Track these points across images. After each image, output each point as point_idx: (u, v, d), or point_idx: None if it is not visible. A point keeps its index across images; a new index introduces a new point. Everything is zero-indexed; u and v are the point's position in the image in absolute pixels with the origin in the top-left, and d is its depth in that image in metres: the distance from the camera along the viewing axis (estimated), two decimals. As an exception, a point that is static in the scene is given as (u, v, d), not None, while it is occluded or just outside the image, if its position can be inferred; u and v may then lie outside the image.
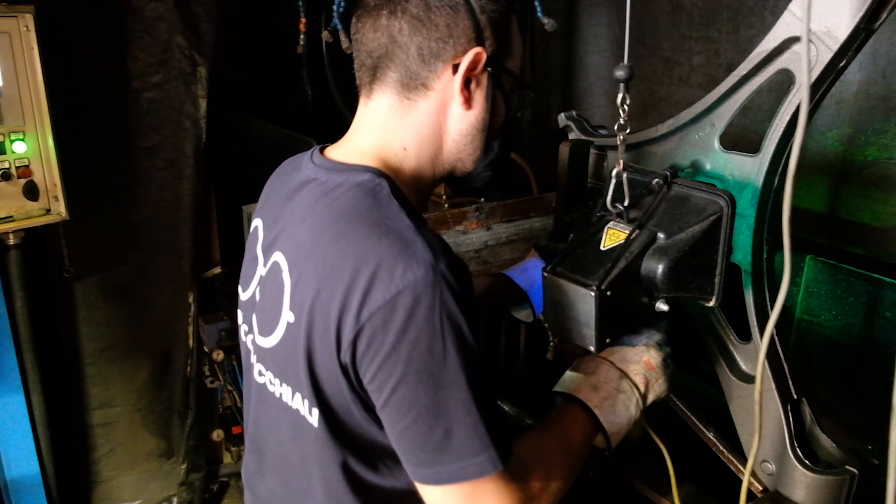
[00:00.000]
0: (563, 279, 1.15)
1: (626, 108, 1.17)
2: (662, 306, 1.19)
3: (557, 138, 1.60)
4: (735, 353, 1.36)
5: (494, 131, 1.13)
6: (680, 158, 1.36)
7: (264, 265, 1.13)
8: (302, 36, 2.52)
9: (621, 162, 1.18)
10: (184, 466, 2.99)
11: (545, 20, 2.22)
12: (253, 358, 1.18)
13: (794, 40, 1.15)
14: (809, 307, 1.80)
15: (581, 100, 2.60)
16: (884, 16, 1.07)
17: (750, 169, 1.24)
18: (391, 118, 1.09)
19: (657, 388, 1.26)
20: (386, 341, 0.92)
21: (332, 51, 2.45)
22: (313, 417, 1.03)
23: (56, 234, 2.45)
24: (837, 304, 1.74)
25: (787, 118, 1.18)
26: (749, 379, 1.33)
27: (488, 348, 2.05)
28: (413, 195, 1.09)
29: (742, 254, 1.27)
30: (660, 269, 1.15)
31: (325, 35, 2.38)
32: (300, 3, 2.48)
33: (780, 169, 1.23)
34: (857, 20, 1.07)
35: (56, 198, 2.22)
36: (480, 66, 1.05)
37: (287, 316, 1.04)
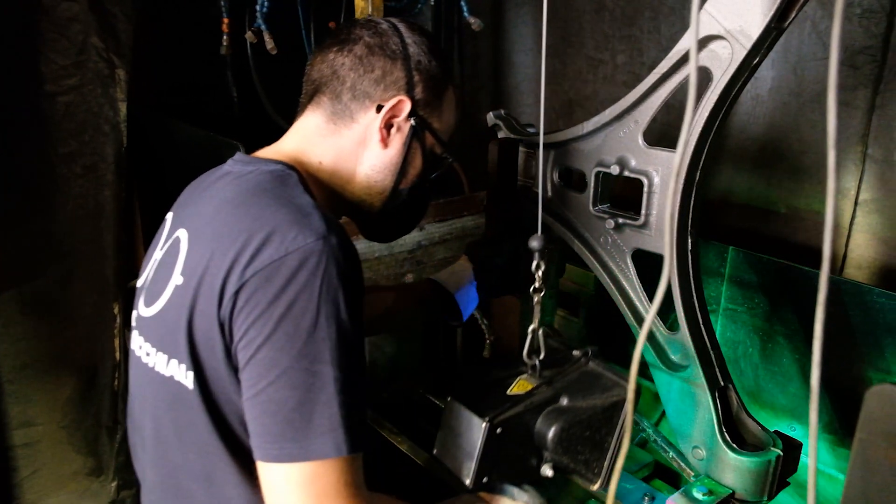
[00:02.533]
0: (462, 405, 1.19)
1: (541, 272, 1.23)
2: (548, 471, 1.21)
3: (487, 137, 1.61)
4: (664, 344, 1.40)
5: (406, 180, 1.22)
6: (606, 155, 1.39)
7: (162, 248, 1.16)
8: (225, 37, 2.47)
9: (536, 319, 1.24)
10: (114, 484, 2.87)
11: (471, 20, 2.24)
12: (134, 334, 1.20)
13: (710, 39, 1.19)
14: (733, 296, 1.87)
15: (510, 98, 2.63)
16: (792, 15, 1.12)
17: (671, 163, 1.28)
18: (315, 135, 1.18)
19: None
20: (263, 298, 0.95)
21: (257, 51, 2.41)
22: (188, 380, 1.04)
23: (-32, 247, 2.32)
24: (760, 292, 1.81)
25: (707, 114, 1.22)
26: (679, 368, 1.37)
27: (428, 346, 2.05)
28: (318, 200, 1.11)
29: (664, 247, 1.31)
30: (552, 429, 1.19)
31: (250, 36, 2.33)
32: (223, 3, 2.43)
33: (700, 163, 1.27)
34: (768, 19, 1.11)
35: (-34, 209, 2.10)
36: (403, 114, 1.17)
37: (176, 280, 1.07)
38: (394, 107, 1.15)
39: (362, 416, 1.01)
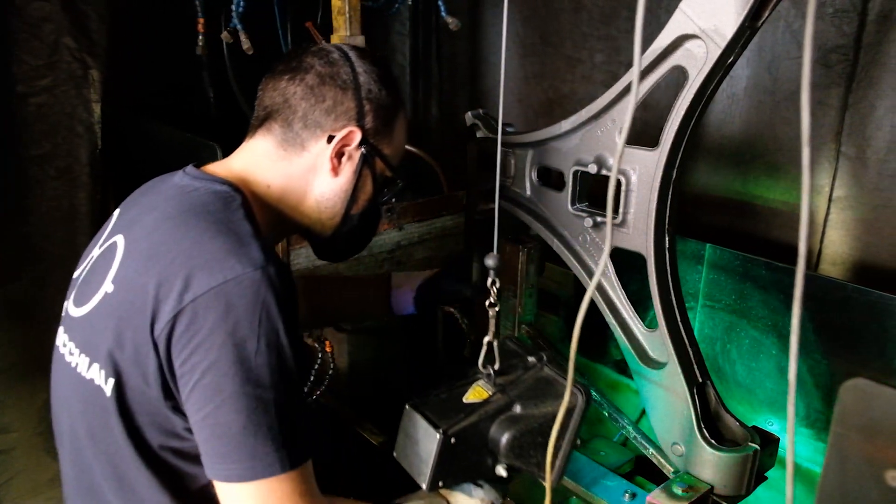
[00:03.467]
0: (418, 414, 1.23)
1: (495, 289, 1.27)
2: (502, 471, 1.25)
3: (466, 137, 1.61)
4: (643, 342, 1.41)
5: (357, 206, 1.24)
6: (583, 153, 1.40)
7: (100, 247, 1.18)
8: (200, 37, 2.45)
9: (491, 332, 1.27)
10: (92, 489, 2.84)
11: (449, 19, 2.23)
12: (60, 330, 1.21)
13: (685, 38, 1.20)
14: (711, 293, 1.89)
15: (488, 98, 2.63)
16: (766, 14, 1.13)
17: (651, 162, 1.29)
18: (265, 159, 1.20)
19: None
20: (204, 326, 0.98)
21: (233, 52, 2.39)
22: (107, 387, 1.06)
23: (-60, 251, 2.29)
24: (737, 288, 1.83)
25: (683, 112, 1.23)
26: (658, 365, 1.38)
27: (409, 346, 2.05)
28: (264, 222, 1.15)
29: (644, 245, 1.32)
30: (505, 436, 1.22)
31: (225, 36, 2.31)
32: (198, 3, 2.41)
33: (677, 161, 1.29)
34: (742, 18, 1.12)
35: (-63, 212, 2.06)
36: (354, 143, 1.18)
37: (106, 287, 1.08)
38: (344, 137, 1.17)
39: (303, 429, 1.05)
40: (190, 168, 1.20)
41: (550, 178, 1.52)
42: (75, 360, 1.13)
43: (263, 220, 1.16)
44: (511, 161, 1.55)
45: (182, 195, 1.12)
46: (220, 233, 1.04)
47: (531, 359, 1.32)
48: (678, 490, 1.30)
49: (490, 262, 1.25)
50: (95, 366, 1.09)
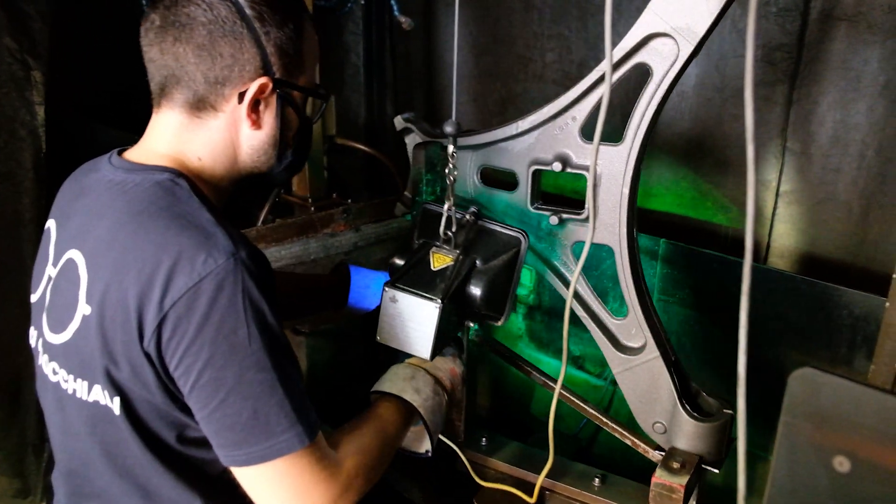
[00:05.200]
0: (405, 292, 1.29)
1: (454, 156, 1.35)
2: (469, 323, 1.41)
3: (399, 140, 1.60)
4: (614, 331, 1.44)
5: (288, 141, 1.19)
6: (541, 153, 1.41)
7: (55, 265, 1.13)
8: (148, 36, 2.39)
9: (452, 198, 1.36)
10: None
11: (402, 19, 2.23)
12: (44, 358, 1.16)
13: (652, 36, 1.23)
14: (665, 287, 1.92)
15: (442, 97, 2.63)
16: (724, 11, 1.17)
17: (616, 158, 1.31)
18: (183, 132, 1.12)
19: (458, 394, 1.44)
20: (190, 327, 0.97)
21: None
22: (115, 405, 1.05)
23: None
24: (690, 282, 1.86)
25: (654, 108, 1.26)
26: (630, 351, 1.42)
27: (368, 346, 2.04)
28: (212, 194, 1.13)
29: (616, 238, 1.35)
30: (479, 290, 1.35)
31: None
32: (143, 2, 2.35)
33: (643, 157, 1.32)
34: (714, 16, 1.16)
35: None
36: (268, 91, 1.11)
37: (83, 309, 1.05)
38: (255, 92, 1.09)
39: (308, 402, 1.06)
40: (115, 159, 1.14)
41: (492, 180, 1.51)
42: (71, 385, 1.10)
43: (211, 193, 1.12)
44: (450, 156, 1.55)
45: (125, 193, 1.07)
46: (182, 228, 1.01)
47: (468, 216, 1.41)
48: (675, 465, 1.35)
49: (449, 128, 1.28)
50: (97, 387, 1.06)
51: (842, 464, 0.72)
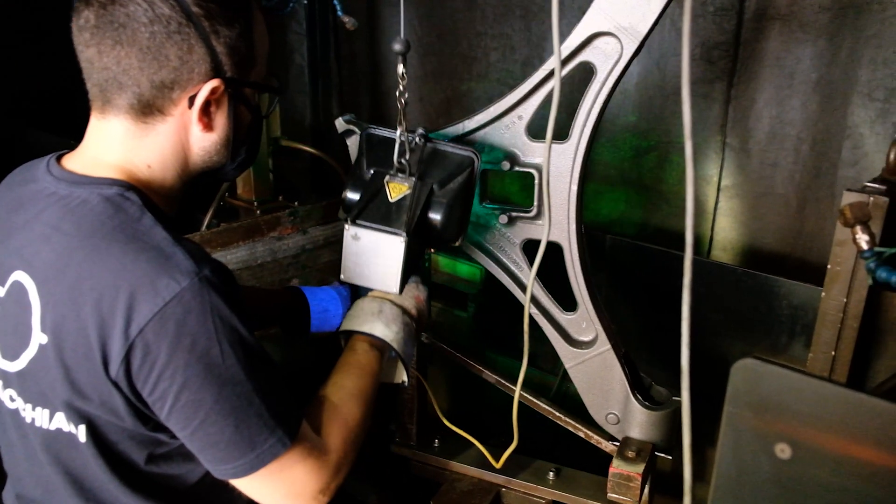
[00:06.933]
0: (368, 229, 1.26)
1: (404, 76, 1.30)
2: (430, 249, 1.39)
3: (340, 143, 1.58)
4: (565, 326, 1.45)
5: (240, 137, 1.14)
6: (488, 150, 1.42)
7: (2, 284, 1.06)
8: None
9: (404, 123, 1.31)
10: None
11: (345, 19, 2.21)
12: None
13: (597, 35, 1.25)
14: (612, 282, 1.95)
15: (388, 97, 2.62)
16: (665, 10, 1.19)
17: (563, 155, 1.33)
18: (130, 139, 1.06)
19: (424, 318, 1.41)
20: (161, 353, 0.94)
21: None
22: (80, 432, 1.02)
23: None
24: (636, 277, 1.90)
25: (600, 105, 1.29)
26: (581, 345, 1.45)
27: (319, 350, 2.01)
28: (164, 203, 1.09)
29: (566, 235, 1.36)
30: (440, 216, 1.30)
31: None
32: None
33: (589, 153, 1.34)
34: (657, 16, 1.18)
35: None
36: (220, 93, 1.05)
37: (38, 338, 1.00)
38: (206, 96, 1.03)
39: (288, 398, 1.05)
40: (55, 168, 1.07)
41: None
42: (30, 414, 1.06)
43: (163, 202, 1.08)
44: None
45: (72, 213, 1.00)
46: (140, 251, 0.96)
47: (417, 138, 1.34)
48: (631, 454, 1.38)
49: (397, 46, 1.26)
50: (60, 415, 1.03)
51: (783, 450, 0.74)
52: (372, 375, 1.24)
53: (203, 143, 1.09)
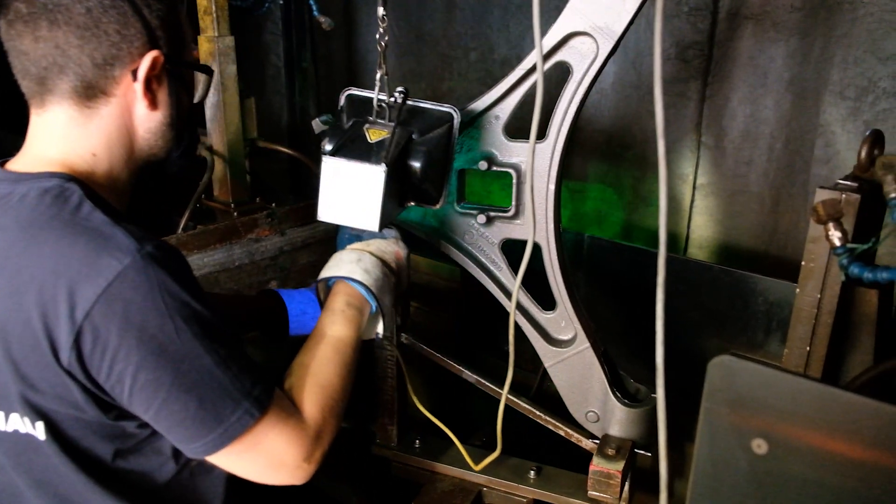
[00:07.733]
0: (345, 159, 1.23)
1: (384, 19, 1.31)
2: (410, 203, 1.37)
3: (317, 145, 1.57)
4: (545, 325, 1.46)
5: (182, 118, 1.14)
6: (466, 150, 1.42)
7: None
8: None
9: (384, 67, 1.31)
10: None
11: (321, 19, 2.20)
12: None
13: (572, 35, 1.25)
14: (590, 280, 1.96)
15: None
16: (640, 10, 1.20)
17: (541, 155, 1.33)
18: (73, 128, 1.05)
19: (404, 277, 1.40)
20: (111, 335, 0.92)
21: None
22: (38, 431, 1.00)
23: None
24: (614, 275, 1.91)
25: (577, 105, 1.29)
26: (561, 343, 1.45)
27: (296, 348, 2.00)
28: (110, 195, 1.07)
29: (544, 234, 1.37)
30: (419, 162, 1.28)
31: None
32: None
33: (566, 152, 1.34)
34: (631, 15, 1.19)
35: None
36: (160, 66, 1.06)
37: None
38: (148, 66, 1.04)
39: (254, 368, 1.03)
40: None
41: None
42: None
43: (109, 195, 1.06)
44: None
45: (11, 208, 1.00)
46: (77, 235, 0.95)
47: (398, 94, 1.32)
48: (611, 451, 1.38)
49: (381, 10, 1.28)
50: (14, 415, 1.00)
51: (759, 446, 0.74)
52: (351, 336, 1.23)
53: (148, 123, 1.09)
